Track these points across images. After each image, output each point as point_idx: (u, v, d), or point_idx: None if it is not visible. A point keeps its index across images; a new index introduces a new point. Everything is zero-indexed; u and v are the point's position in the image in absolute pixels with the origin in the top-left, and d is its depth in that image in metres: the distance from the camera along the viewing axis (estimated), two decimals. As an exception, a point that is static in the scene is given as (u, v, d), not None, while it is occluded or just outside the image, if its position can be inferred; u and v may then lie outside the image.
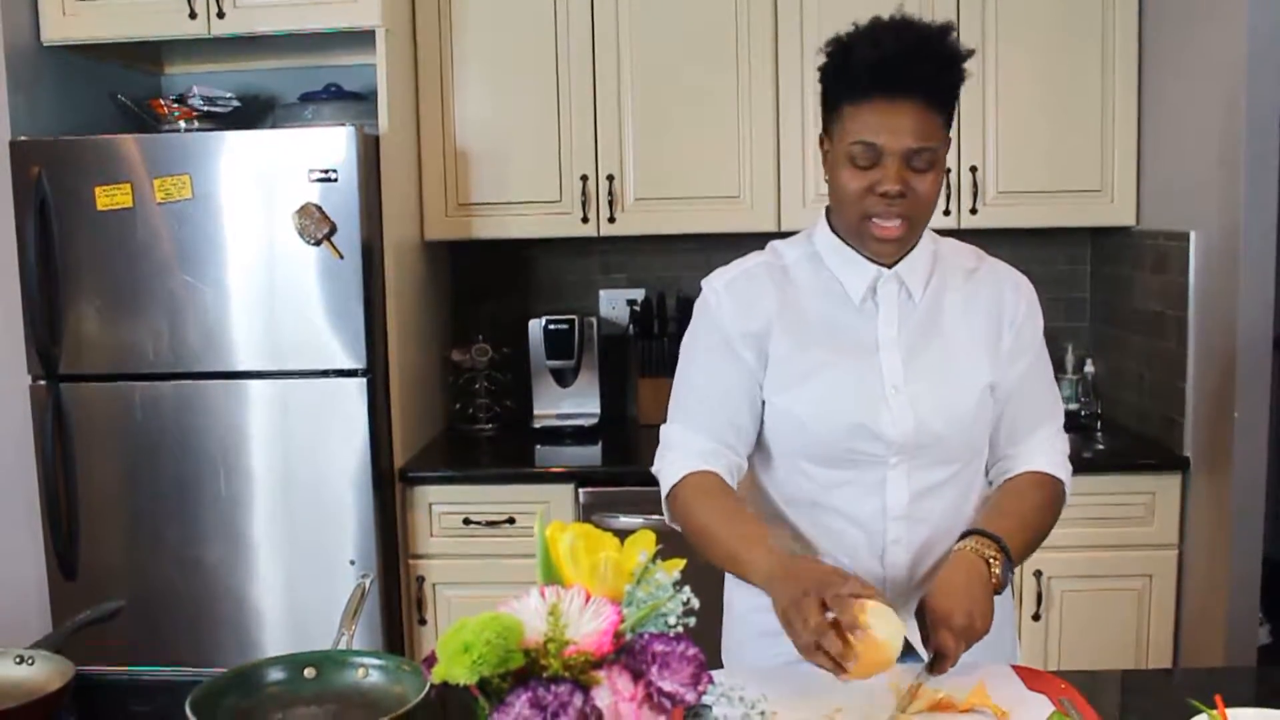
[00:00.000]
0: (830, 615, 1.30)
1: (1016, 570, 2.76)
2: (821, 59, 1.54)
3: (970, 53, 1.53)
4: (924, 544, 1.61)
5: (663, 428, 1.67)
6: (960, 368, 1.60)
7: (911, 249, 1.60)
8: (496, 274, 3.55)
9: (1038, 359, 1.67)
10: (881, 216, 1.51)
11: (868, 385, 1.57)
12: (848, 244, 1.60)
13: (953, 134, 1.56)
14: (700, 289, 1.69)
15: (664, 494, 1.64)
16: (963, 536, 1.52)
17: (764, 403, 1.63)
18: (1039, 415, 1.67)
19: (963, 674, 1.40)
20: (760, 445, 1.67)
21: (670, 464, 1.63)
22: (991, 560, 1.47)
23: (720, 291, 1.65)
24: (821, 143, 1.59)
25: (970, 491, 1.66)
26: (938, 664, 1.40)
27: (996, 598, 1.48)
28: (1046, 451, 1.65)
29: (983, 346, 1.61)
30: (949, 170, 3.05)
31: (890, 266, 1.59)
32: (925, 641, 1.43)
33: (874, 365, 1.58)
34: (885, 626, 1.30)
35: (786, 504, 1.65)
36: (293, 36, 2.95)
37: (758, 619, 1.67)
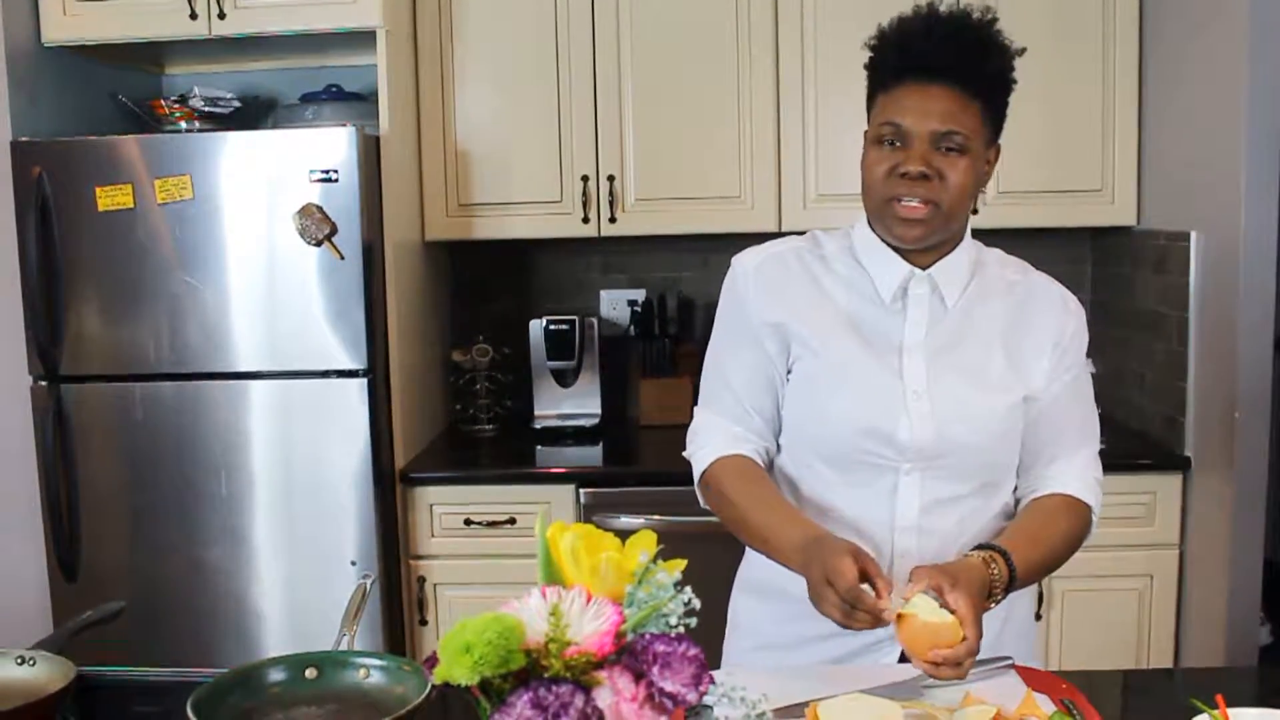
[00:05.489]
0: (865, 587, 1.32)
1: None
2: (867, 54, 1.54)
3: (1020, 50, 1.51)
4: (933, 560, 1.52)
5: (695, 410, 1.68)
6: (989, 378, 1.54)
7: (949, 252, 1.56)
8: (497, 274, 3.55)
9: (1079, 379, 1.60)
10: (904, 197, 1.47)
11: (887, 387, 1.53)
12: (884, 241, 1.56)
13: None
14: (730, 265, 1.66)
15: (696, 479, 1.64)
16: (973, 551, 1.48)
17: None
18: (1078, 437, 1.60)
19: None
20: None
21: (700, 449, 1.63)
22: (994, 570, 1.42)
23: (750, 273, 1.62)
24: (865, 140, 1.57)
25: (985, 514, 1.58)
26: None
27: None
28: (1082, 476, 1.59)
29: (1020, 360, 1.56)
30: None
31: (925, 268, 1.55)
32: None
33: (896, 367, 1.54)
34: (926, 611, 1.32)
35: (796, 503, 1.61)
36: (293, 37, 2.95)
37: (764, 630, 1.66)
